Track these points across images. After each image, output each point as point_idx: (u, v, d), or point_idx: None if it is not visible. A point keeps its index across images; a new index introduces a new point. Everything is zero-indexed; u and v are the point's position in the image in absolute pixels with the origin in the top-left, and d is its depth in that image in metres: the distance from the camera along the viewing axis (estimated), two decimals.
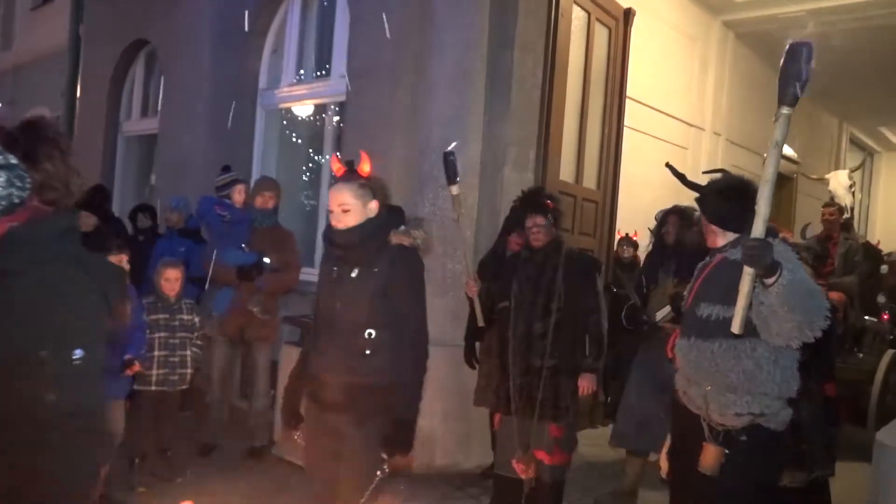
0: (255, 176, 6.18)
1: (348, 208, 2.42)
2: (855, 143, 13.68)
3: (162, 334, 3.96)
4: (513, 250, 4.12)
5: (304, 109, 6.58)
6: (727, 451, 2.37)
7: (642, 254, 5.75)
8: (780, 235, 2.56)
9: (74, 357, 1.54)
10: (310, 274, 4.87)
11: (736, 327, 2.07)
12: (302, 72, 6.45)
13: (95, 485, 1.77)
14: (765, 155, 6.88)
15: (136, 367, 3.57)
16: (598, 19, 5.75)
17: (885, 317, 6.47)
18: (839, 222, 6.39)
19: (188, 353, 4.05)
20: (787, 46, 1.96)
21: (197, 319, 4.14)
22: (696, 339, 2.48)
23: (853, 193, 7.58)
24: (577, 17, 5.51)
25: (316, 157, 6.48)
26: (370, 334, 2.41)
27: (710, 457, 2.38)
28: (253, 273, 4.34)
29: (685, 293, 3.68)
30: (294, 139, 6.77)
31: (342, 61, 5.65)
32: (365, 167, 2.49)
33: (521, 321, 3.57)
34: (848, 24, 7.69)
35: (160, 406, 4.03)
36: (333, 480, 2.45)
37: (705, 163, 8.06)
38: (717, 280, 2.46)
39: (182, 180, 6.55)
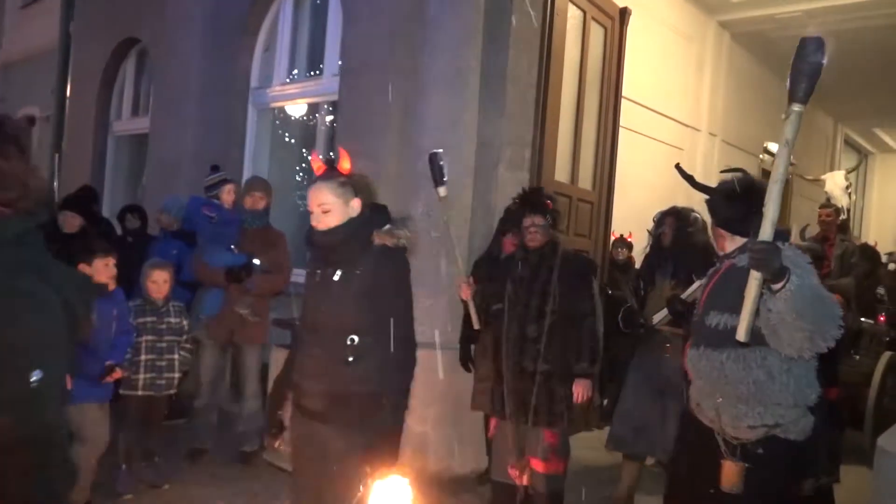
0: (246, 176, 6.10)
1: (328, 208, 2.32)
2: (850, 144, 13.69)
3: (149, 338, 3.88)
4: (508, 251, 4.05)
5: (296, 108, 6.51)
6: (748, 465, 2.26)
7: (637, 255, 5.70)
8: None
9: (32, 379, 1.43)
10: (301, 275, 4.77)
11: (741, 335, 1.98)
12: (296, 72, 6.38)
13: None
14: (761, 157, 6.85)
15: (118, 373, 3.48)
16: (593, 18, 5.70)
17: (882, 318, 6.43)
18: (836, 223, 6.36)
19: (176, 356, 3.96)
20: (799, 41, 1.88)
21: (185, 322, 4.05)
22: (705, 349, 2.39)
23: (849, 194, 7.56)
24: (573, 15, 5.46)
25: (308, 157, 6.41)
26: (353, 340, 2.30)
27: (732, 474, 2.28)
28: (241, 275, 4.25)
29: (682, 296, 3.67)
30: (286, 139, 6.70)
31: (335, 60, 5.59)
32: (344, 164, 2.38)
33: (515, 324, 3.51)
34: (844, 25, 7.67)
35: (147, 411, 3.94)
36: (319, 490, 2.36)
37: (701, 164, 8.03)
38: (726, 287, 2.37)
39: (173, 180, 6.47)
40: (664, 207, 4.39)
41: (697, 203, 5.78)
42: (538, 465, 3.44)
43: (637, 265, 6.00)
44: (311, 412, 2.37)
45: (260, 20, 6.43)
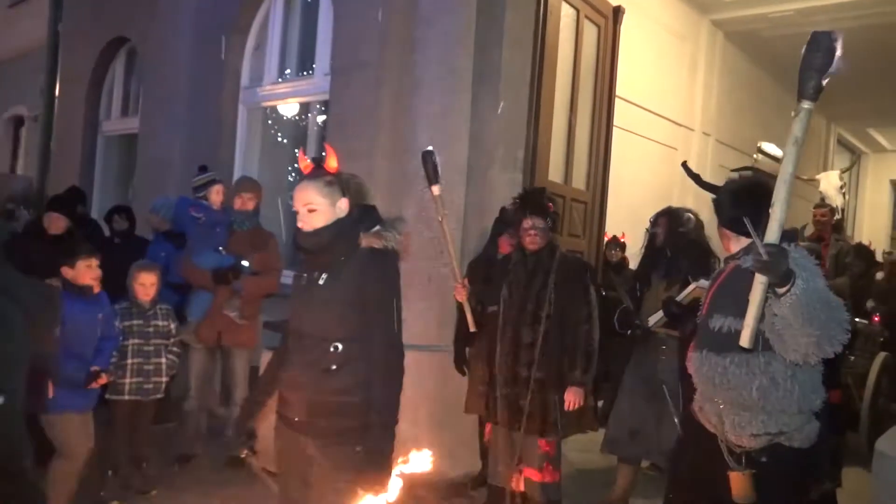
0: (237, 176, 6.03)
1: (314, 208, 2.21)
2: (843, 144, 13.72)
3: (136, 341, 3.80)
4: (504, 252, 3.99)
5: (287, 108, 6.45)
6: (755, 472, 2.19)
7: (632, 255, 5.66)
8: None
9: None
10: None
11: (745, 340, 1.91)
12: (288, 71, 6.32)
13: None
14: (755, 156, 6.81)
15: (103, 379, 3.40)
16: (587, 17, 5.66)
17: (876, 319, 6.41)
18: (831, 223, 6.34)
19: (163, 360, 3.89)
20: (810, 36, 1.82)
21: (173, 326, 3.98)
22: (708, 353, 2.32)
23: (844, 194, 7.55)
24: (566, 14, 5.42)
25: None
26: (336, 348, 2.18)
27: (740, 485, 2.21)
28: (229, 276, 4.18)
29: (678, 298, 3.62)
30: (277, 138, 6.63)
31: (326, 58, 5.53)
32: (331, 162, 2.26)
33: (509, 327, 3.44)
34: (836, 24, 7.63)
35: (134, 416, 3.87)
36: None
37: (695, 163, 7.99)
38: (730, 290, 2.31)
39: (163, 181, 6.41)
40: (658, 207, 4.35)
41: (692, 203, 5.78)
42: (533, 475, 3.39)
43: (631, 265, 5.98)
44: (292, 422, 2.27)
45: (250, 19, 6.36)
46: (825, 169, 10.64)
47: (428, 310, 4.55)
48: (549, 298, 3.38)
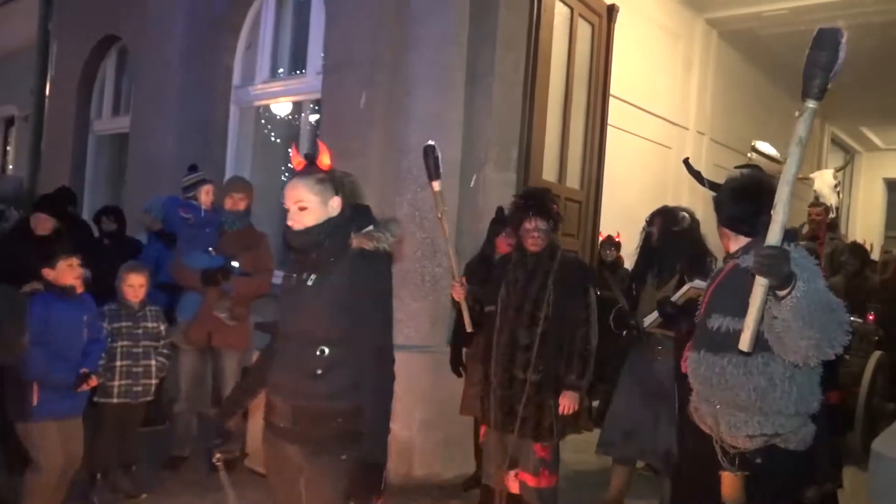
0: (229, 176, 5.98)
1: (305, 206, 2.12)
2: (836, 143, 13.72)
3: (124, 343, 3.75)
4: (503, 251, 3.95)
5: (279, 107, 6.40)
6: (747, 473, 2.17)
7: (627, 255, 5.64)
8: None
9: None
10: None
11: (745, 344, 1.87)
12: (281, 70, 6.27)
13: None
14: (749, 155, 6.76)
15: (93, 381, 3.35)
16: (581, 15, 5.64)
17: (871, 317, 6.40)
18: (825, 222, 6.32)
19: (153, 362, 3.84)
20: (816, 32, 1.76)
21: (163, 327, 3.93)
22: (705, 353, 2.29)
23: (838, 193, 7.53)
24: (560, 12, 5.40)
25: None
26: (322, 351, 2.09)
27: (731, 486, 2.19)
28: (218, 277, 4.13)
29: (673, 298, 3.59)
30: (269, 137, 6.58)
31: (318, 57, 5.49)
32: (324, 159, 2.17)
33: (506, 328, 3.37)
34: (830, 23, 7.62)
35: (123, 419, 3.82)
36: None
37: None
38: (728, 289, 2.27)
39: (154, 180, 6.34)
40: (652, 207, 4.32)
41: (686, 202, 5.76)
42: (529, 479, 3.34)
43: (626, 265, 5.95)
44: (278, 429, 2.20)
45: (242, 17, 6.31)
46: (819, 168, 10.63)
47: (421, 310, 4.52)
48: (548, 300, 3.31)
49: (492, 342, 3.41)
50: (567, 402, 3.32)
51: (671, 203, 4.45)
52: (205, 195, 4.32)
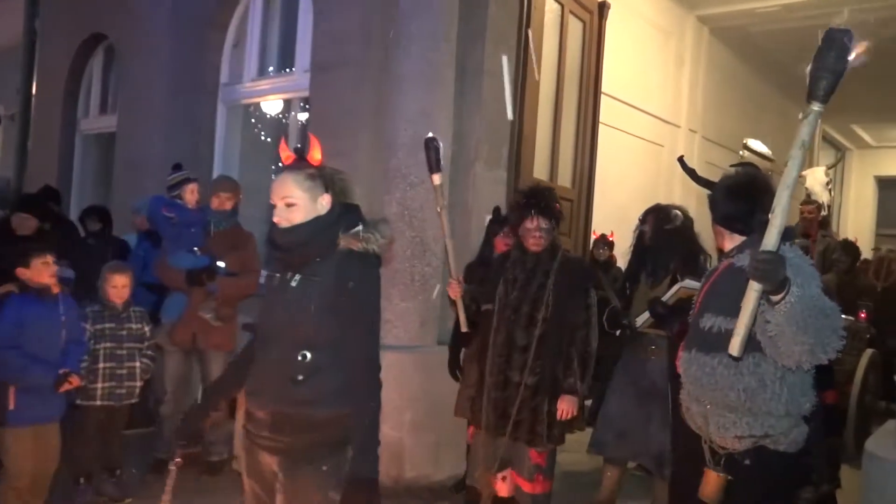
0: (216, 175, 5.92)
1: (293, 202, 2.02)
2: (828, 140, 13.76)
3: (108, 345, 3.68)
4: (500, 251, 3.88)
5: (267, 105, 6.34)
6: (730, 478, 2.13)
7: (620, 254, 5.60)
8: None
9: None
10: None
11: (735, 349, 1.84)
12: (271, 69, 6.20)
13: None
14: (741, 153, 6.73)
15: (75, 381, 3.28)
16: (571, 12, 5.61)
17: (863, 315, 6.39)
18: (818, 220, 6.31)
19: (137, 364, 3.77)
20: (825, 32, 1.70)
21: (147, 329, 3.87)
22: (696, 353, 2.25)
23: (830, 191, 7.53)
24: (551, 9, 5.36)
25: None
26: (304, 356, 1.99)
27: (711, 485, 2.15)
28: (203, 277, 4.07)
29: (664, 298, 3.55)
30: (257, 136, 6.52)
31: (306, 55, 5.43)
32: (315, 154, 2.08)
33: (503, 328, 3.27)
34: (823, 20, 7.58)
35: (107, 422, 3.75)
36: None
37: None
38: (722, 289, 2.23)
39: (141, 180, 6.28)
40: (644, 205, 4.28)
41: (679, 200, 5.73)
42: (524, 485, 3.27)
43: (619, 264, 5.92)
44: (256, 437, 2.11)
45: (229, 15, 6.25)
46: (811, 165, 10.65)
47: (410, 310, 4.48)
48: (547, 301, 3.22)
49: (487, 342, 3.32)
50: (566, 407, 3.22)
51: (664, 201, 4.41)
52: (189, 194, 4.24)
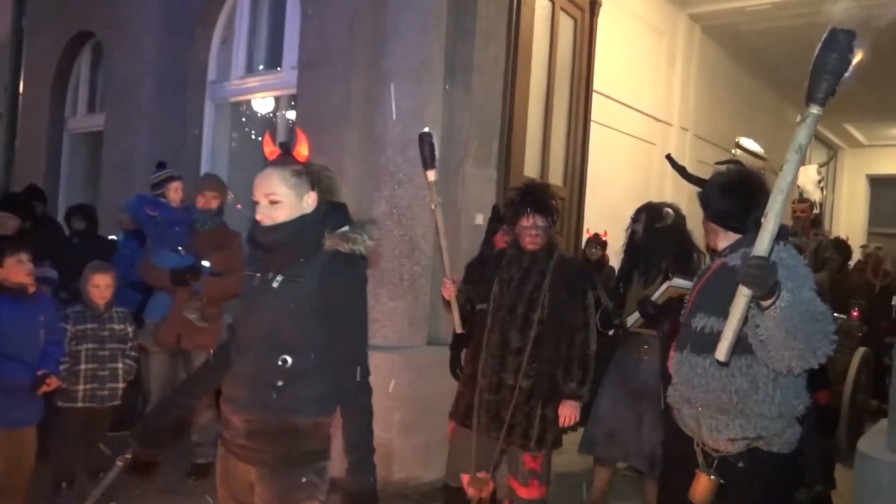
0: (203, 173, 5.85)
1: (277, 199, 1.93)
2: (819, 139, 13.77)
3: (90, 346, 3.61)
4: (500, 248, 3.82)
5: (255, 102, 6.27)
6: (722, 482, 2.09)
7: (613, 253, 5.57)
8: None
9: None
10: None
11: (721, 354, 1.79)
12: (262, 67, 6.14)
13: None
14: (733, 151, 6.70)
15: (53, 383, 3.21)
16: (562, 9, 5.57)
17: (855, 314, 6.38)
18: (810, 218, 6.30)
19: (119, 365, 3.70)
20: (827, 32, 1.63)
21: (130, 329, 3.80)
22: (688, 354, 2.20)
23: (822, 189, 7.51)
24: (541, 6, 5.33)
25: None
26: (284, 361, 1.90)
27: (702, 488, 2.11)
28: (186, 277, 4.01)
29: (653, 297, 3.51)
30: (246, 134, 6.45)
31: (294, 52, 5.37)
32: (302, 150, 1.98)
33: (497, 329, 3.18)
34: (814, 19, 7.59)
35: (89, 424, 3.68)
36: None
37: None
38: (715, 288, 2.18)
39: (129, 178, 6.21)
40: (636, 203, 4.24)
41: (670, 198, 5.69)
42: (519, 490, 3.19)
43: (612, 263, 5.88)
44: (232, 446, 2.01)
45: (217, 12, 6.18)
46: (803, 164, 10.65)
47: (399, 309, 4.43)
48: (543, 302, 3.13)
49: (481, 342, 3.24)
50: (567, 413, 3.13)
51: (655, 199, 4.37)
52: (173, 192, 4.18)
